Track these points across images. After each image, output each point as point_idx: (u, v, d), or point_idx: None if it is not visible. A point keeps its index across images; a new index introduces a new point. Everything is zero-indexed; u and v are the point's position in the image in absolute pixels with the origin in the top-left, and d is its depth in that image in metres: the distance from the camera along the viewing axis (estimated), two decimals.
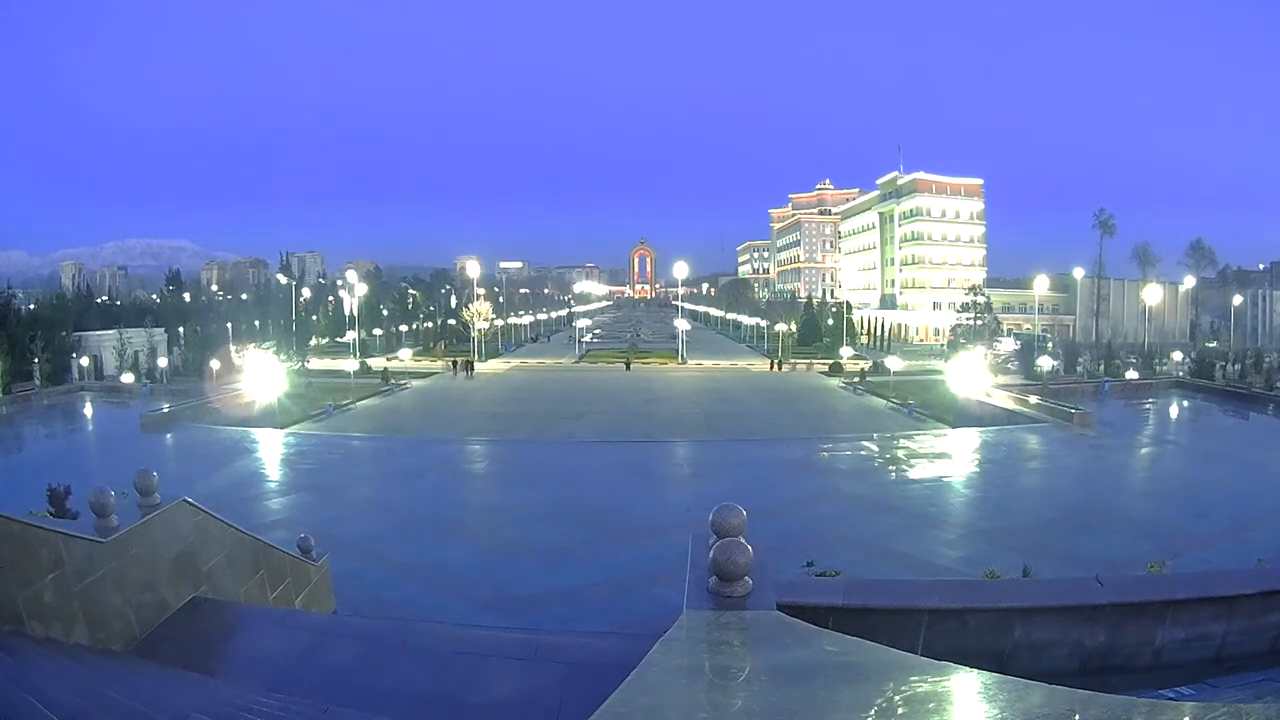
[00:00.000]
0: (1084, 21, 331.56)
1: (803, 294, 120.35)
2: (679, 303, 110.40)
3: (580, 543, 15.37)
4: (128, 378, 44.54)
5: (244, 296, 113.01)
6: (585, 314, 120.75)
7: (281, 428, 31.13)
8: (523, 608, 11.98)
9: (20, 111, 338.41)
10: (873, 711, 2.03)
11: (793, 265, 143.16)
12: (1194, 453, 26.77)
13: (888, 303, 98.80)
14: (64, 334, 49.12)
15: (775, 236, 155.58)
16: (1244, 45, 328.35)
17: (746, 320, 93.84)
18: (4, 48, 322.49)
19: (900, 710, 2.06)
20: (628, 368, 60.63)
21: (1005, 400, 34.24)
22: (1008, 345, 60.13)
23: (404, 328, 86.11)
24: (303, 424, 33.52)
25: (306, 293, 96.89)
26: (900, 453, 25.66)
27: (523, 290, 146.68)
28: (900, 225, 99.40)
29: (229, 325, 68.46)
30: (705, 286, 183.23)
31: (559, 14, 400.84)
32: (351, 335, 68.02)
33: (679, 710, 2.29)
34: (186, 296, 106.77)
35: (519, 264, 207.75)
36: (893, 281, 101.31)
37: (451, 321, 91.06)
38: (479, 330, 72.30)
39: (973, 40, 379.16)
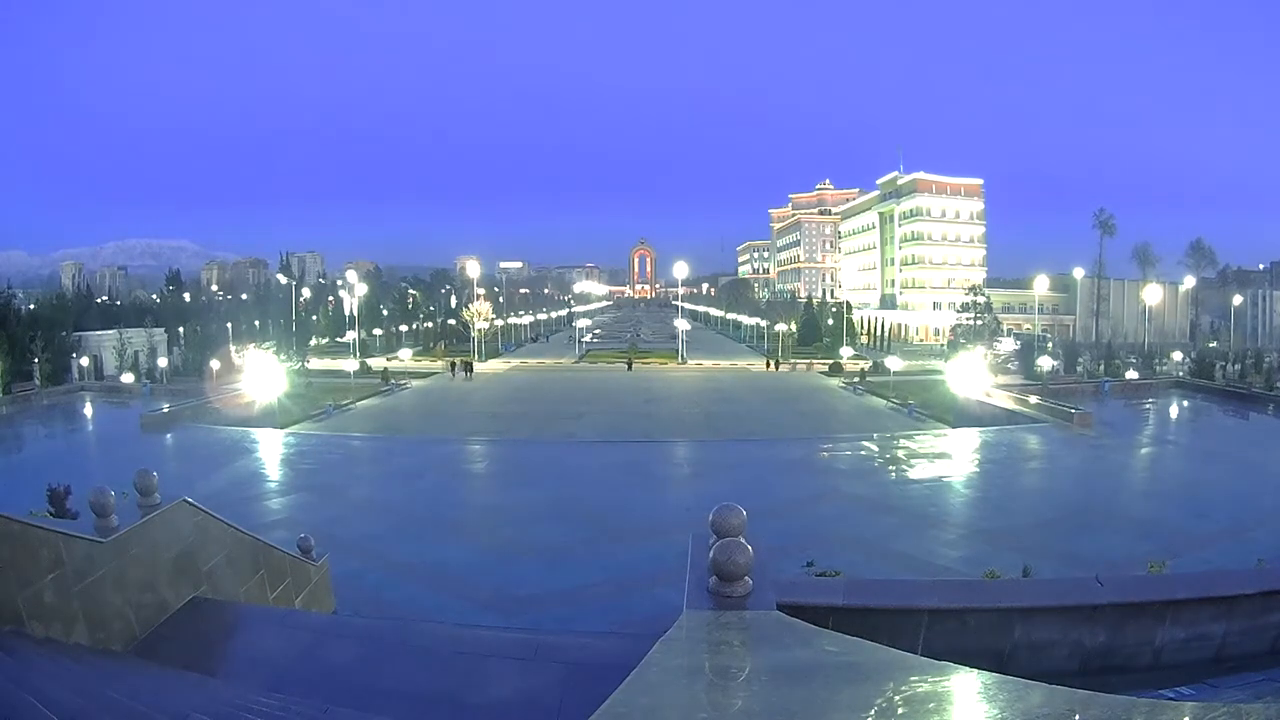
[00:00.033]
0: (1084, 22, 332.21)
1: (803, 294, 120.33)
2: (679, 303, 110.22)
3: (580, 543, 15.35)
4: (128, 378, 44.53)
5: (244, 296, 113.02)
6: (585, 314, 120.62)
7: (281, 428, 31.11)
8: (523, 608, 11.96)
9: (20, 111, 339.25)
10: (873, 711, 2.03)
11: (793, 265, 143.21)
12: (1194, 453, 26.76)
13: (888, 303, 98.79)
14: (64, 334, 49.10)
15: (775, 236, 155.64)
16: (1244, 45, 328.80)
17: (746, 320, 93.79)
18: (4, 48, 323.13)
19: (900, 710, 2.06)
20: (629, 367, 60.51)
21: (1005, 400, 34.23)
22: (1008, 345, 60.09)
23: (404, 328, 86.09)
24: (303, 424, 33.50)
25: (306, 293, 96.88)
26: (900, 453, 25.64)
27: (523, 290, 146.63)
28: (900, 225, 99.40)
29: (229, 325, 68.44)
30: (705, 286, 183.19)
31: (559, 14, 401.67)
32: (351, 335, 67.98)
33: (679, 710, 2.28)
34: (186, 296, 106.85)
35: (519, 264, 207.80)
36: (893, 281, 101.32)
37: (451, 321, 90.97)
38: (479, 330, 72.21)
39: (973, 40, 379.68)
